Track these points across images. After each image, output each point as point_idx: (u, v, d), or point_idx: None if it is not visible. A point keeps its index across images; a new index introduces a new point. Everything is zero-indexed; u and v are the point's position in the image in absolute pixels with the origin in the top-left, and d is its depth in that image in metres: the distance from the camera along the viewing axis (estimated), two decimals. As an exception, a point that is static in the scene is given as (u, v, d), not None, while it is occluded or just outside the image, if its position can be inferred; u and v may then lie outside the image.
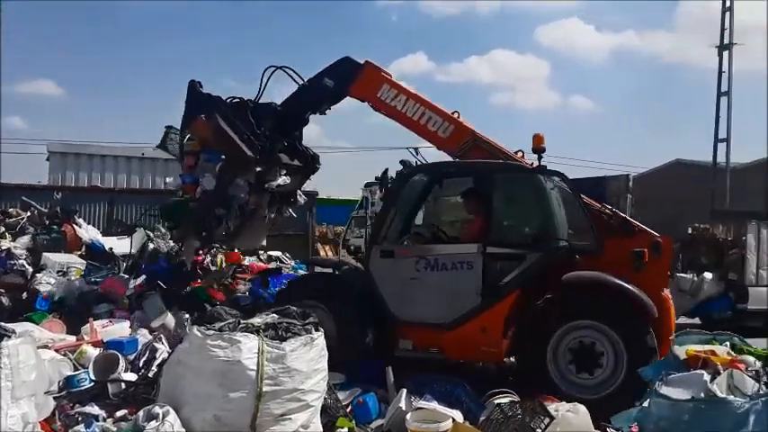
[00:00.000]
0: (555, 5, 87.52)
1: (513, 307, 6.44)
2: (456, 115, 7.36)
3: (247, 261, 8.87)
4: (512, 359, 6.99)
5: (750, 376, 4.12)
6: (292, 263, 9.64)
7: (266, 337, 4.67)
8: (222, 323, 4.81)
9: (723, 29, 25.11)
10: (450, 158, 7.34)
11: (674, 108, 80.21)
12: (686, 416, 4.03)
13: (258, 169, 7.38)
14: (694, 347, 4.60)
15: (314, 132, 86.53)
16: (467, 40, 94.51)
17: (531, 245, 6.65)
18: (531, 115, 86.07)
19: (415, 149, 14.08)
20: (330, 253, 27.42)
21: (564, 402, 5.48)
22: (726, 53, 24.86)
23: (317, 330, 4.95)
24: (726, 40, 24.96)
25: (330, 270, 7.78)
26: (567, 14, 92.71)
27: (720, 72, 24.84)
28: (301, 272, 9.64)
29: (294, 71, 7.52)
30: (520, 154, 7.24)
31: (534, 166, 6.77)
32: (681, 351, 4.63)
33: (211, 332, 4.65)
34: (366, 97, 7.53)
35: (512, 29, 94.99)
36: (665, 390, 4.21)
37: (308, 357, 4.73)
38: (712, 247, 13.84)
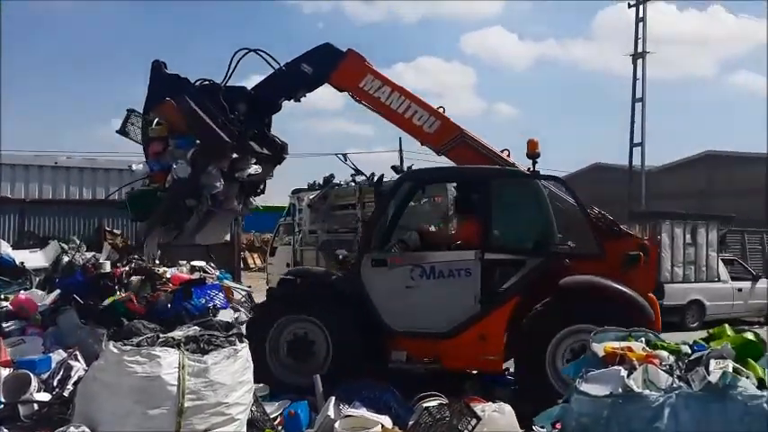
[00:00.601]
0: (478, 14, 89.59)
1: (512, 313, 6.34)
2: (441, 111, 7.24)
3: (169, 272, 8.59)
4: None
5: (664, 371, 4.25)
6: (217, 273, 9.43)
7: (187, 350, 4.54)
8: (140, 338, 4.65)
9: (637, 38, 26.32)
10: (433, 155, 7.34)
11: (594, 114, 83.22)
12: (605, 411, 4.13)
13: (233, 157, 7.01)
14: (612, 344, 4.72)
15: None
16: (393, 46, 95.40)
17: (530, 250, 6.60)
18: (458, 121, 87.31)
19: (344, 155, 14.13)
20: (258, 261, 27.10)
21: (490, 403, 5.56)
22: (640, 61, 26.05)
23: (240, 342, 4.84)
24: (640, 49, 26.14)
25: (316, 281, 7.31)
26: (491, 23, 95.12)
27: (635, 79, 26.02)
28: (228, 282, 9.42)
29: (269, 54, 7.19)
30: (506, 153, 7.22)
31: (530, 170, 6.77)
32: (599, 348, 4.75)
33: (128, 347, 4.49)
34: (347, 86, 7.29)
35: (437, 36, 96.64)
36: (584, 387, 4.30)
37: (232, 370, 4.62)
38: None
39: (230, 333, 4.90)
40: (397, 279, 6.63)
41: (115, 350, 4.47)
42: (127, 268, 8.45)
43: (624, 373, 4.29)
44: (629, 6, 26.50)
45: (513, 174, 6.97)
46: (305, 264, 12.79)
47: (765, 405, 3.80)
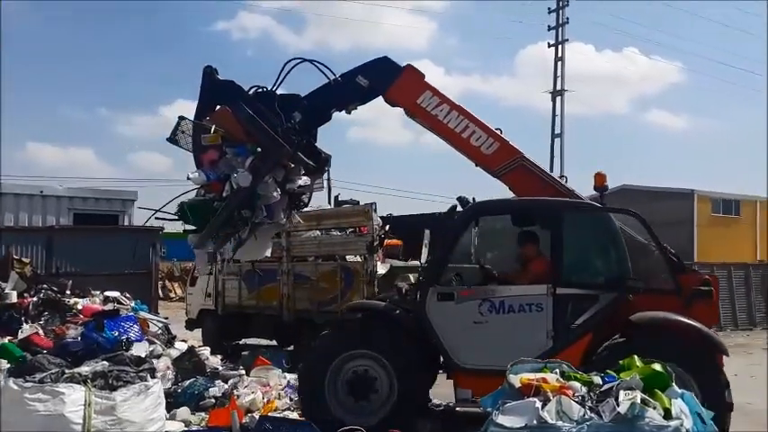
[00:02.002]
0: (407, 47, 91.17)
1: (586, 349, 6.17)
2: (499, 132, 7.07)
3: (80, 303, 8.22)
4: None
5: (576, 402, 4.35)
6: (132, 304, 9.09)
7: (95, 386, 4.37)
8: (44, 374, 4.42)
9: (556, 76, 27.48)
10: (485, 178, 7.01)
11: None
12: (520, 443, 4.18)
13: (289, 167, 6.73)
14: (527, 376, 4.79)
15: (163, 164, 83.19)
16: (323, 76, 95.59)
17: (604, 285, 6.45)
18: (386, 151, 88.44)
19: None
20: (179, 291, 26.28)
21: (407, 435, 5.56)
22: (559, 98, 27.19)
23: (153, 377, 4.67)
24: (559, 87, 27.30)
25: (379, 315, 6.97)
26: (419, 56, 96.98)
27: (554, 115, 27.09)
28: (143, 313, 9.08)
29: (323, 64, 6.92)
30: (564, 179, 7.14)
31: (601, 203, 6.72)
32: (515, 380, 4.81)
33: (30, 384, 4.26)
34: (403, 102, 7.11)
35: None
36: (500, 419, 4.34)
37: (143, 407, 4.47)
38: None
39: (141, 368, 4.73)
40: (465, 314, 6.47)
41: (15, 387, 4.24)
42: (35, 299, 8.04)
43: (539, 404, 4.35)
44: (549, 46, 27.71)
45: (586, 206, 6.87)
46: (225, 294, 12.55)
47: (670, 434, 3.93)
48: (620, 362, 5.01)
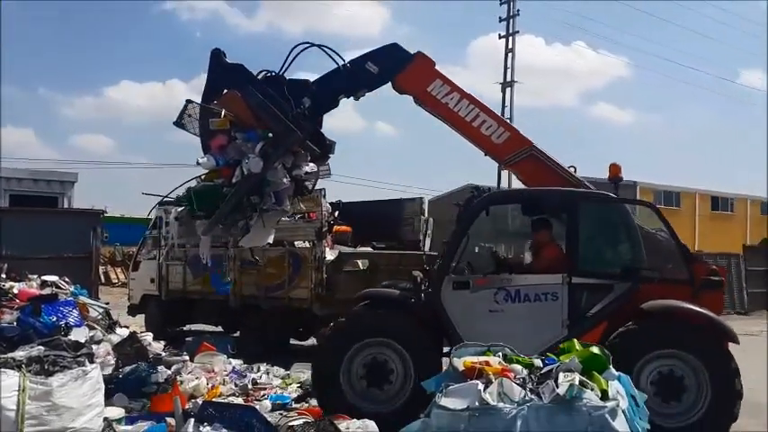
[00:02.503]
0: (359, 33, 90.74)
1: (601, 338, 6.11)
2: (510, 122, 7.10)
3: (17, 287, 7.92)
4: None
5: (517, 384, 4.44)
6: (71, 288, 8.80)
7: (29, 372, 4.21)
8: (-25, 359, 4.25)
9: (506, 68, 27.75)
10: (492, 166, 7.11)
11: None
12: (462, 425, 4.23)
13: (298, 153, 6.67)
14: (471, 359, 4.86)
15: (105, 145, 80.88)
16: (275, 60, 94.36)
17: (619, 275, 6.46)
18: (339, 137, 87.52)
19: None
20: (121, 276, 25.66)
21: (355, 420, 5.59)
22: (509, 90, 27.49)
23: (91, 362, 4.55)
24: (509, 78, 27.59)
25: (393, 303, 6.95)
26: (372, 43, 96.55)
27: (503, 107, 27.34)
28: (83, 298, 8.80)
29: (332, 49, 6.87)
30: (572, 169, 7.11)
31: (615, 194, 6.71)
32: (459, 363, 4.87)
33: (-40, 370, 4.08)
34: (413, 90, 7.04)
35: (318, 53, 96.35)
36: (444, 401, 4.39)
37: (80, 392, 4.34)
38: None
39: (79, 353, 4.60)
40: (481, 302, 6.48)
41: (-57, 373, 4.05)
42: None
43: (481, 386, 4.42)
44: (500, 37, 27.94)
45: (601, 197, 6.87)
46: (170, 279, 12.31)
47: (607, 415, 4.04)
48: (561, 345, 5.15)
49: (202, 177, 6.72)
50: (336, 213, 12.30)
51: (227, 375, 7.91)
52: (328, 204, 11.17)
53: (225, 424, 5.32)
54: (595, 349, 4.77)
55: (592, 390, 4.22)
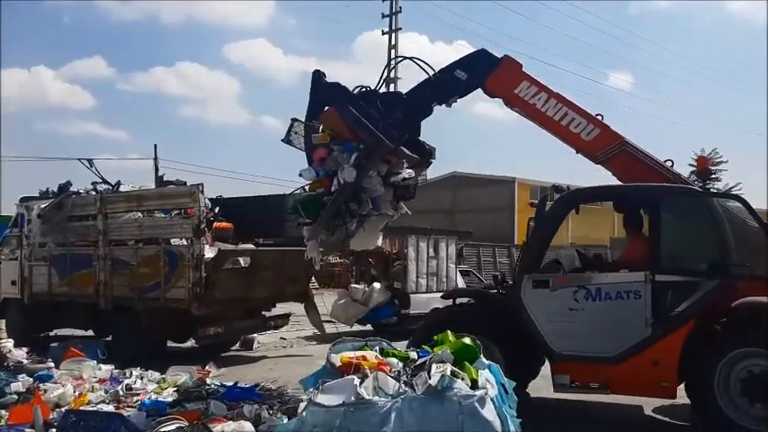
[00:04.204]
0: (242, 24, 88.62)
1: (688, 338, 5.98)
2: (600, 118, 6.91)
3: None
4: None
5: (392, 377, 4.49)
6: None
7: None
8: None
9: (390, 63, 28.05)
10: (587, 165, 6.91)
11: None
12: (338, 421, 4.21)
13: (392, 161, 7.05)
14: (348, 354, 4.86)
15: (-32, 140, 74.36)
16: (152, 49, 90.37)
17: (706, 272, 6.22)
18: (222, 130, 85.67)
19: (89, 161, 12.96)
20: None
21: (230, 422, 5.44)
22: (392, 86, 27.81)
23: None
24: (392, 75, 27.91)
25: (474, 300, 7.20)
26: (255, 35, 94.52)
27: (388, 102, 27.65)
28: None
29: (424, 62, 7.22)
30: (669, 163, 6.93)
31: (702, 188, 6.54)
32: (336, 358, 4.86)
33: None
34: (501, 93, 7.18)
35: (200, 42, 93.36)
36: (319, 398, 4.36)
37: None
38: (380, 259, 15.20)
39: None
40: (560, 301, 6.41)
41: None
42: None
43: (357, 381, 4.42)
44: (383, 33, 28.26)
45: (685, 191, 6.68)
46: (33, 281, 11.51)
47: (476, 404, 4.16)
48: (435, 337, 5.24)
49: (306, 188, 7.40)
50: (217, 209, 11.94)
51: (96, 382, 7.50)
52: (207, 200, 10.79)
53: (89, 432, 5.05)
54: (467, 340, 4.90)
55: (462, 379, 4.33)
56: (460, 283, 16.16)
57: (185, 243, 10.07)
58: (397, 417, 4.19)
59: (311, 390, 4.68)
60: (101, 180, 12.14)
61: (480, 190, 38.69)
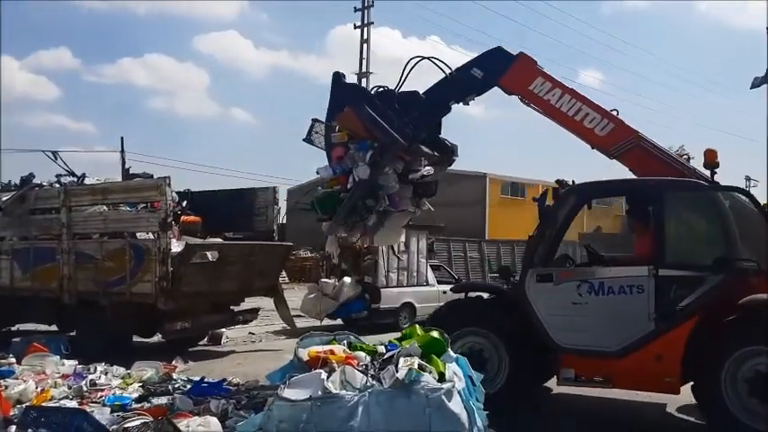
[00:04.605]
0: (212, 16, 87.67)
1: (691, 333, 5.90)
2: (615, 113, 6.86)
3: None
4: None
5: (360, 371, 4.47)
6: None
7: None
8: None
9: (362, 58, 28.03)
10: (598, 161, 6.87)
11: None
12: (304, 415, 4.19)
13: (407, 159, 7.26)
14: (316, 348, 4.83)
15: None
16: (119, 40, 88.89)
17: (710, 266, 6.11)
18: (191, 123, 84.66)
19: (54, 153, 12.70)
20: None
21: (195, 418, 5.37)
22: (364, 80, 27.77)
23: None
24: (364, 69, 27.91)
25: (486, 295, 7.28)
26: (226, 27, 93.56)
27: (360, 97, 27.59)
28: None
29: (441, 61, 7.33)
30: (685, 158, 6.86)
31: (708, 181, 6.41)
32: (304, 353, 4.83)
33: None
34: (516, 89, 7.20)
35: (169, 34, 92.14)
36: (286, 392, 4.32)
37: None
38: (351, 254, 15.16)
39: None
40: (564, 295, 6.40)
41: None
42: None
43: (324, 375, 4.40)
44: (355, 27, 28.18)
45: (688, 185, 6.54)
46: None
47: (443, 397, 4.17)
48: (403, 331, 5.24)
49: (325, 185, 7.54)
50: (185, 203, 11.80)
51: (59, 377, 7.36)
52: (174, 193, 10.65)
53: (51, 429, 4.92)
54: (435, 333, 4.90)
55: (430, 373, 4.34)
56: (431, 278, 16.21)
57: (152, 237, 9.93)
58: (364, 410, 4.18)
59: (278, 384, 4.66)
60: (67, 172, 11.92)
61: (452, 185, 38.79)
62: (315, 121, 7.64)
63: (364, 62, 27.96)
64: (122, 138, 23.28)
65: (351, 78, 28.22)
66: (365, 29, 28.01)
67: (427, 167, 7.65)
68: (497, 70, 7.24)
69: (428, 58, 7.43)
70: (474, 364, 6.51)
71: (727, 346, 5.79)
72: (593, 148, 7.04)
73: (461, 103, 7.60)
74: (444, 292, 16.22)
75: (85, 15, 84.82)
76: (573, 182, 7.09)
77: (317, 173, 7.47)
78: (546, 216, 6.84)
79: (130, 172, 12.97)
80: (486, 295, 7.40)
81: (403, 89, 7.36)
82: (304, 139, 7.73)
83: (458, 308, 7.19)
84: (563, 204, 6.91)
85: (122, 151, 23.16)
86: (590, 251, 7.46)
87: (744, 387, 5.71)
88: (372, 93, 7.48)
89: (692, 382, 6.03)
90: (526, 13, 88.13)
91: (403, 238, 8.59)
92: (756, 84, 11.93)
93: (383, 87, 7.45)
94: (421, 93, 7.38)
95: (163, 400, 6.42)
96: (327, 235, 7.61)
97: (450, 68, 7.33)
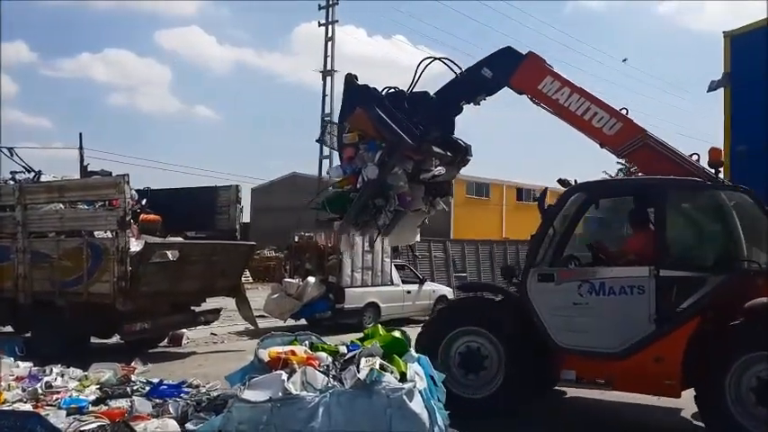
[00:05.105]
0: (174, 11, 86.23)
1: (693, 335, 5.78)
2: (624, 112, 6.83)
3: None
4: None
5: (321, 371, 4.45)
6: None
7: None
8: None
9: (326, 56, 27.95)
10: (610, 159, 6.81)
11: (291, 125, 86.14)
12: (265, 416, 4.16)
13: (417, 159, 7.30)
14: (276, 349, 4.79)
15: None
16: (78, 34, 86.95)
17: (712, 267, 6.04)
18: (153, 119, 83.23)
19: (9, 149, 12.35)
20: None
21: (154, 420, 5.28)
22: (329, 78, 27.72)
23: None
24: (329, 67, 27.82)
25: (487, 295, 7.32)
26: (188, 22, 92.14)
27: (324, 95, 27.56)
28: None
29: (452, 61, 7.43)
30: (695, 157, 6.68)
31: (711, 180, 6.31)
32: (264, 353, 4.78)
33: None
34: (526, 89, 7.18)
35: (130, 29, 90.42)
36: (246, 394, 4.29)
37: None
38: (315, 254, 15.10)
39: None
40: (565, 295, 6.33)
41: None
42: None
43: (285, 376, 4.36)
44: (320, 25, 28.08)
45: (690, 184, 6.40)
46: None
47: (404, 396, 4.17)
48: (365, 331, 5.23)
49: (335, 185, 7.61)
50: (144, 201, 11.59)
51: (13, 380, 7.16)
52: (134, 191, 10.46)
53: (3, 433, 4.80)
54: (397, 333, 4.90)
55: (391, 373, 4.33)
56: (395, 278, 16.25)
57: (110, 236, 9.74)
58: (324, 411, 4.16)
59: (238, 386, 4.61)
60: (24, 169, 11.64)
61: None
62: (327, 122, 8.02)
63: (329, 60, 27.86)
64: (81, 134, 22.77)
65: (315, 76, 28.52)
66: (329, 27, 27.92)
67: (439, 167, 7.74)
68: (507, 69, 7.25)
69: (439, 59, 7.56)
70: (473, 364, 6.72)
71: (735, 350, 5.66)
72: (601, 147, 7.03)
73: (472, 104, 7.62)
74: (408, 292, 16.40)
75: (42, 8, 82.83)
76: (575, 181, 7.04)
77: (328, 173, 7.80)
78: (549, 216, 6.76)
79: (89, 169, 12.73)
80: (490, 295, 7.39)
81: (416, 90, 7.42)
82: (317, 140, 8.17)
83: (459, 308, 7.38)
84: (569, 204, 6.83)
85: (81, 148, 22.60)
86: (593, 250, 7.30)
87: (750, 394, 5.58)
88: (384, 94, 7.46)
89: (693, 387, 5.92)
90: (489, 14, 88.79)
91: (418, 238, 8.59)
92: (713, 87, 12.27)
93: (394, 88, 7.49)
94: (432, 93, 7.46)
95: (121, 402, 6.26)
96: (340, 234, 7.83)
97: (460, 68, 7.44)
